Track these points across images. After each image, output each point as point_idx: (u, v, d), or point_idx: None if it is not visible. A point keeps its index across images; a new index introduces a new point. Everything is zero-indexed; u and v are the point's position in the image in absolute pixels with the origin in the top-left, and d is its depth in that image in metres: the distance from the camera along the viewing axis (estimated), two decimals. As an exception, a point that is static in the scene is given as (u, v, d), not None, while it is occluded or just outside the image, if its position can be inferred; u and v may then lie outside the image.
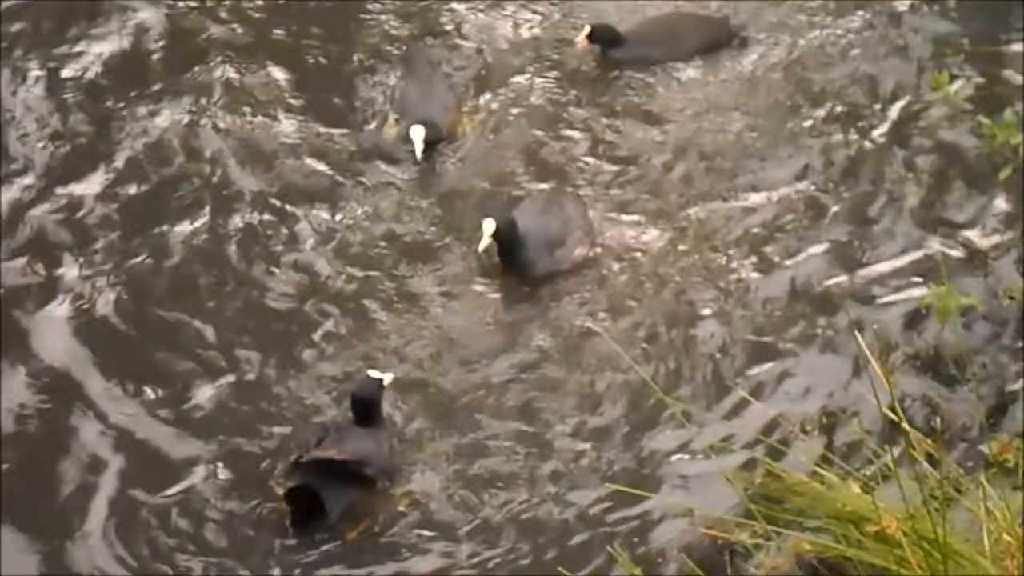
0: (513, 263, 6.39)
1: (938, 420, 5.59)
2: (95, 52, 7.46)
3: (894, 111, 7.16)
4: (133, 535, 5.48)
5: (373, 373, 5.77)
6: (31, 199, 6.72)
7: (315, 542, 5.46)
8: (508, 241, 6.33)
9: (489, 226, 6.25)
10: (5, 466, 5.67)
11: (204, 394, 5.95)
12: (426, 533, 5.52)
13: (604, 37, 7.37)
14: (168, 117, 7.10)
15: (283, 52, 7.51)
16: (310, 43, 7.57)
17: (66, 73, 7.33)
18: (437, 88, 7.11)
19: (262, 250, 6.55)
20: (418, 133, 6.80)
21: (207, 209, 6.72)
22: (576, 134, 7.12)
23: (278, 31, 7.63)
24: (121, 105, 7.18)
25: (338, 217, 6.70)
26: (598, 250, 6.52)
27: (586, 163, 6.98)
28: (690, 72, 7.40)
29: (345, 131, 7.10)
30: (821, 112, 7.18)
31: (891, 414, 4.15)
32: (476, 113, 7.20)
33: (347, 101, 7.26)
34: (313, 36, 7.60)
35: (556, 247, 6.42)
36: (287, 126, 7.11)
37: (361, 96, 7.29)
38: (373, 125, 7.13)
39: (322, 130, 7.11)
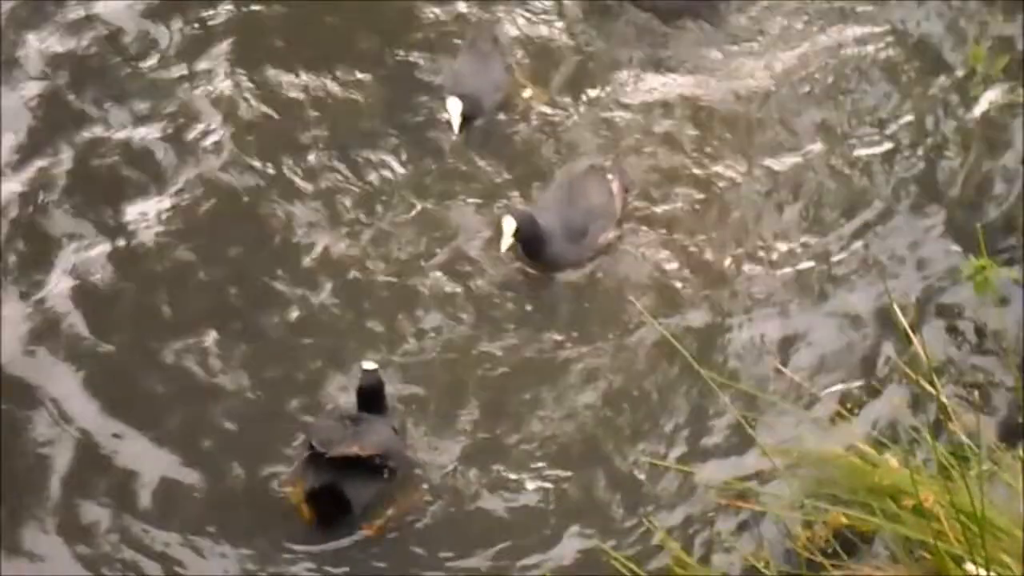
0: (537, 258, 6.32)
1: (976, 393, 5.57)
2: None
3: (927, 84, 7.12)
4: (140, 534, 5.47)
5: (367, 364, 5.73)
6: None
7: (331, 536, 5.47)
8: (530, 238, 6.23)
9: (509, 225, 6.15)
10: (7, 467, 5.66)
11: (216, 387, 5.93)
12: (454, 517, 5.55)
13: None
14: (212, 90, 7.07)
15: (338, 31, 7.44)
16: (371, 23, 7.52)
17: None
18: (492, 66, 7.00)
19: (288, 232, 6.50)
20: (455, 107, 6.76)
21: (235, 188, 6.71)
22: (621, 99, 7.08)
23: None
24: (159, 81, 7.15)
25: (372, 189, 6.70)
26: (621, 232, 6.46)
27: (625, 130, 6.94)
28: (735, 43, 7.37)
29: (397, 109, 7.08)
30: (852, 80, 7.13)
31: (928, 387, 4.14)
32: (533, 84, 7.17)
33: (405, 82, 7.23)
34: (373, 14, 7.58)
35: (579, 238, 6.34)
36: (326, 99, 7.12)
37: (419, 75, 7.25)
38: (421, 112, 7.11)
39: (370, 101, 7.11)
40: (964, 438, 4.42)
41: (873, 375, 5.81)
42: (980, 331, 5.90)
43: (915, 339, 4.34)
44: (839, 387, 5.77)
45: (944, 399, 4.41)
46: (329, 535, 5.46)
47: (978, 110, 6.91)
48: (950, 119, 6.88)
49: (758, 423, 5.45)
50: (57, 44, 7.16)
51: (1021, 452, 4.36)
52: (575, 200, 6.42)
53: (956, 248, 6.31)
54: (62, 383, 5.89)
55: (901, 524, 4.20)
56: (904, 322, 4.76)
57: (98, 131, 6.83)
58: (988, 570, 3.88)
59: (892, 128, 6.88)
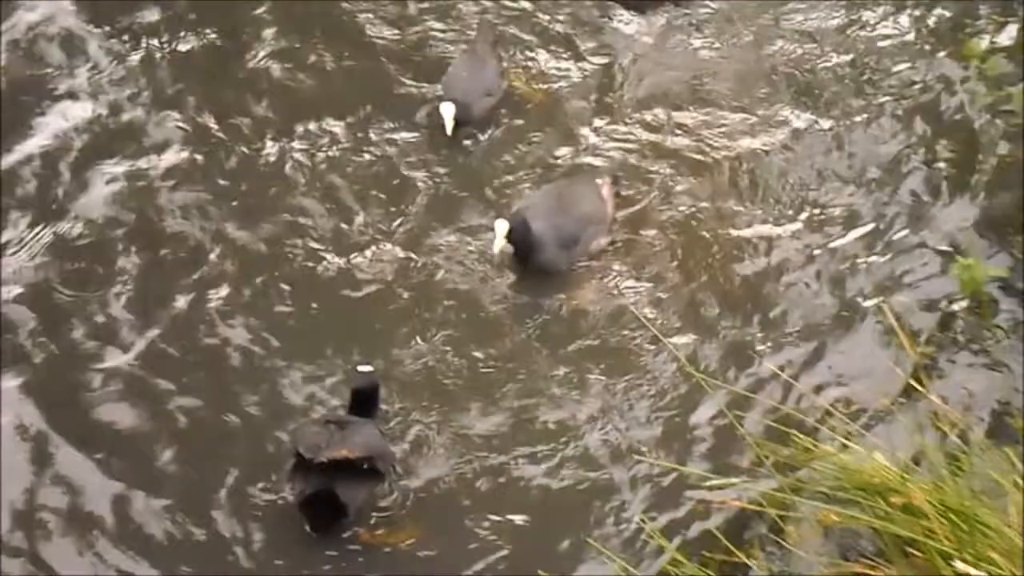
0: (529, 265, 6.32)
1: (967, 392, 5.57)
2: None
3: (923, 82, 7.12)
4: (138, 538, 5.45)
5: (363, 368, 5.76)
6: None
7: (326, 543, 5.45)
8: (522, 242, 6.24)
9: (501, 227, 6.18)
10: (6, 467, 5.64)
11: (203, 393, 5.92)
12: (450, 531, 5.53)
13: None
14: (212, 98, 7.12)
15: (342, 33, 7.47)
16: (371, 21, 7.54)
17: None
18: (487, 71, 7.02)
19: (277, 236, 6.51)
20: (448, 111, 6.80)
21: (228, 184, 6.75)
22: (619, 100, 7.12)
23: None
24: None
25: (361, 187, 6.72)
26: (613, 238, 6.47)
27: (623, 131, 6.97)
28: (732, 40, 7.39)
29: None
30: (850, 78, 7.16)
31: (916, 385, 4.15)
32: (530, 86, 7.17)
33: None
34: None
35: (572, 245, 6.35)
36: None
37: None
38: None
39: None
40: (953, 436, 4.43)
41: (863, 372, 5.80)
42: (970, 329, 5.91)
43: (903, 336, 4.35)
44: (830, 386, 5.78)
45: (934, 397, 4.41)
46: (319, 536, 5.46)
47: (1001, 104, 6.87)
48: (970, 113, 6.88)
49: (751, 421, 5.46)
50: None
51: (1009, 450, 4.36)
52: (566, 207, 6.41)
53: (949, 247, 6.31)
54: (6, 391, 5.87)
55: (890, 522, 4.22)
56: (894, 321, 4.76)
57: (56, 132, 6.86)
58: (978, 568, 3.89)
59: (911, 126, 6.88)
